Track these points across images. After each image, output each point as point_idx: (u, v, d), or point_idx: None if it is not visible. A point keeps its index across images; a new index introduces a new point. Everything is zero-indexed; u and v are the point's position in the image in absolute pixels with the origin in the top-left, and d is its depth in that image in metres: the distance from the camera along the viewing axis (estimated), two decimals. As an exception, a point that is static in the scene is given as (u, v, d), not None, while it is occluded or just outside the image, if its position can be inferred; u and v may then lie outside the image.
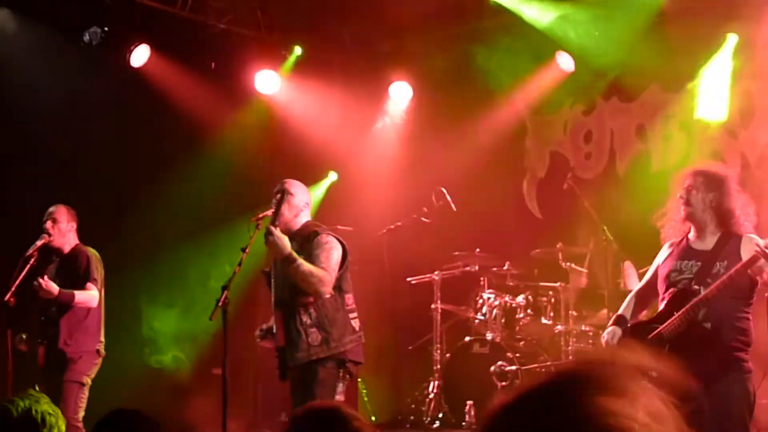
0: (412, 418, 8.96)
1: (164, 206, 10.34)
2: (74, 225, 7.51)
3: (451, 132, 9.98)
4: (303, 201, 6.27)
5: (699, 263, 5.23)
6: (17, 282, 6.89)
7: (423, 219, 8.71)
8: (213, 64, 10.13)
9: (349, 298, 6.18)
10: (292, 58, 10.27)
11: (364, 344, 6.27)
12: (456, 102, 10.07)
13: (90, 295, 7.24)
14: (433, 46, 9.97)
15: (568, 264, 8.74)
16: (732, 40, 8.61)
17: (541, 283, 8.90)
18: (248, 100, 10.34)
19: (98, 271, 7.37)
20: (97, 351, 7.34)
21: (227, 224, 9.30)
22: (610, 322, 5.67)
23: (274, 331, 6.19)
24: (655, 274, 5.55)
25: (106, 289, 7.54)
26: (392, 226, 8.70)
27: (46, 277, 7.07)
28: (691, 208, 5.32)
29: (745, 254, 5.09)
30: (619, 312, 5.66)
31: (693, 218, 5.33)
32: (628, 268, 8.40)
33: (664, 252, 5.56)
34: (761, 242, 4.96)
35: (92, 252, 7.45)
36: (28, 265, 7.03)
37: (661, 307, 5.35)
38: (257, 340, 6.42)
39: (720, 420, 5.02)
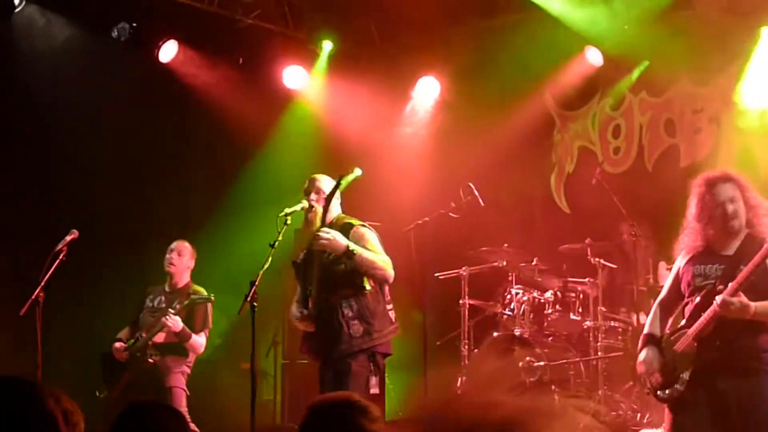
0: (439, 413, 8.92)
1: (191, 200, 10.39)
2: (192, 264, 7.96)
3: (478, 127, 9.93)
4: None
5: (723, 266, 5.06)
6: (47, 277, 6.91)
7: (451, 214, 8.65)
8: (241, 60, 10.14)
9: (387, 290, 6.22)
10: (324, 55, 10.23)
11: (393, 339, 6.30)
12: (484, 97, 10.02)
13: (201, 342, 7.66)
14: (461, 41, 9.93)
15: (597, 259, 8.69)
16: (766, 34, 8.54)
17: (570, 279, 8.85)
18: (276, 96, 10.34)
19: (212, 318, 7.76)
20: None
21: (253, 218, 9.29)
22: (640, 344, 5.34)
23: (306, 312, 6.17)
24: (677, 280, 5.32)
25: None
26: (420, 222, 8.64)
27: (172, 312, 7.42)
28: (739, 221, 5.08)
29: None
30: (647, 330, 5.36)
31: (738, 231, 5.10)
32: (662, 268, 8.32)
33: (683, 258, 5.31)
34: None
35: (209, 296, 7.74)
36: (57, 261, 7.05)
37: (690, 310, 5.14)
38: (294, 320, 6.33)
39: (749, 417, 4.95)
